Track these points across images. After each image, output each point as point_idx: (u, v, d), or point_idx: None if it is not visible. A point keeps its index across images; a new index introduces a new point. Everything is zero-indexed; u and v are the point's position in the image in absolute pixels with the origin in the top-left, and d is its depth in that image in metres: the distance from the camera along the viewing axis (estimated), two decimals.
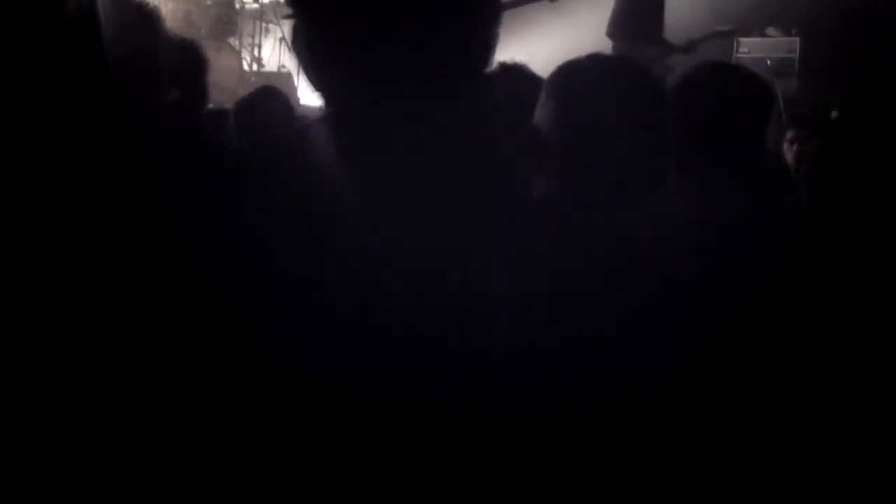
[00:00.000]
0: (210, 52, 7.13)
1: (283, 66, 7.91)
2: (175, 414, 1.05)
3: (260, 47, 8.09)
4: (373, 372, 1.02)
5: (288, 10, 1.10)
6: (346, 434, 1.02)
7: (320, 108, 1.15)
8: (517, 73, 2.31)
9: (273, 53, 8.08)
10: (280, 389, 1.03)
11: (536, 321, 1.08)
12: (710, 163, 2.01)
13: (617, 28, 6.69)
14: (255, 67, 8.02)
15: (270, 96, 3.41)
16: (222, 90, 6.08)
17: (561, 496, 1.11)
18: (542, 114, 1.66)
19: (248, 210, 1.11)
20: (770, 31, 7.50)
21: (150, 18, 1.52)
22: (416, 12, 1.03)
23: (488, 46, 1.10)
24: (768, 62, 7.05)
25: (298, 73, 7.45)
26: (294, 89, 7.25)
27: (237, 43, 8.00)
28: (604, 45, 6.26)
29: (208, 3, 7.78)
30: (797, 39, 7.33)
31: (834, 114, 2.97)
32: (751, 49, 7.36)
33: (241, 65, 7.87)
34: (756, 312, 1.66)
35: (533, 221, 1.12)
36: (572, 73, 1.70)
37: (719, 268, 1.63)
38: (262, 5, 7.99)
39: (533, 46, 5.31)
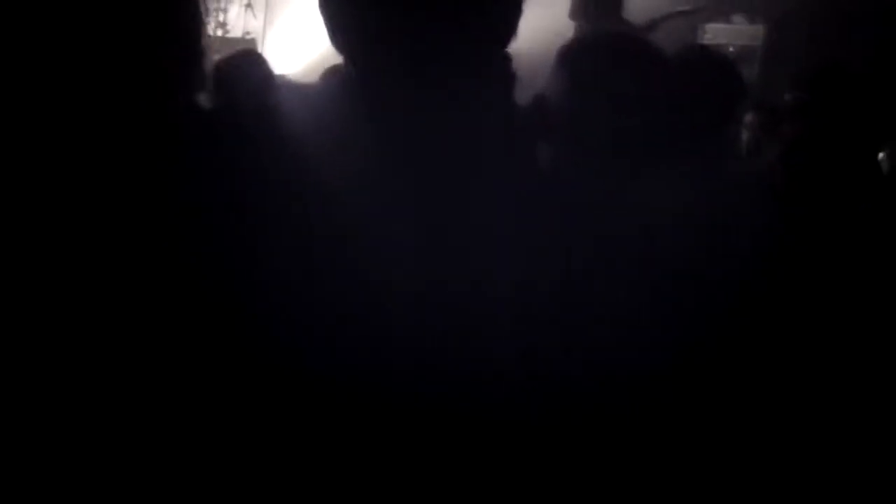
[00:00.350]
0: None
1: (248, 33, 7.84)
2: (174, 413, 1.04)
3: (225, 12, 7.98)
4: (373, 366, 1.02)
5: None
6: (346, 434, 1.02)
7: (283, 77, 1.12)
8: None
9: (238, 19, 7.99)
10: (280, 385, 1.02)
11: (537, 319, 1.09)
12: (686, 153, 2.03)
13: (578, 9, 6.76)
14: (219, 33, 7.90)
15: (253, 59, 3.40)
16: None
17: (560, 496, 1.12)
18: (553, 85, 1.68)
19: (241, 185, 1.09)
20: (735, 18, 7.58)
21: None
22: None
23: (513, 18, 1.10)
24: (731, 49, 7.12)
25: (263, 40, 7.42)
26: None
27: (202, 8, 7.86)
28: (567, 27, 6.29)
29: None
30: (761, 27, 7.41)
31: (787, 96, 3.02)
32: (715, 35, 7.43)
33: (205, 29, 7.77)
34: (750, 307, 1.69)
35: (538, 212, 1.12)
36: (589, 46, 1.76)
37: (711, 259, 1.65)
38: None
39: None
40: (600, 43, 1.77)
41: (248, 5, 7.83)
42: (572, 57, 1.72)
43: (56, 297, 1.08)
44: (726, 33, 7.46)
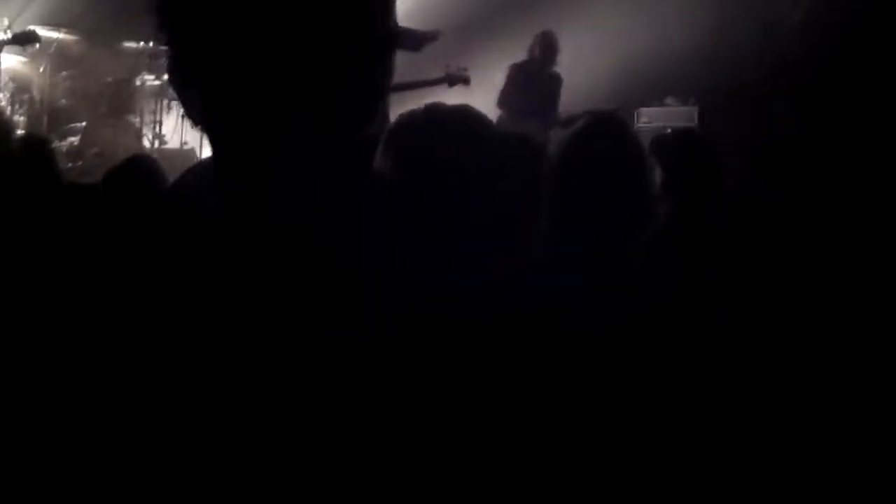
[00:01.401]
0: (108, 129, 7.10)
1: (186, 143, 7.86)
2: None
3: (161, 124, 7.98)
4: None
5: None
6: None
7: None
8: None
9: (175, 130, 7.98)
10: None
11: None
12: (593, 216, 2.04)
13: (504, 100, 7.31)
14: (156, 144, 7.91)
15: (139, 164, 3.42)
16: None
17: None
18: (381, 163, 1.58)
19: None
20: (668, 100, 7.62)
21: None
22: (308, 64, 1.00)
23: (376, 102, 1.09)
24: (668, 131, 7.14)
25: (201, 149, 7.16)
26: None
27: (138, 120, 7.92)
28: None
29: (107, 80, 7.79)
30: (695, 108, 7.45)
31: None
32: (651, 118, 7.50)
33: (139, 142, 7.77)
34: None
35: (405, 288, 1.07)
36: (410, 123, 1.71)
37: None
38: (164, 82, 7.66)
39: None
40: (425, 120, 1.72)
41: (185, 116, 7.71)
42: (397, 136, 1.66)
43: None
44: (661, 116, 7.49)
